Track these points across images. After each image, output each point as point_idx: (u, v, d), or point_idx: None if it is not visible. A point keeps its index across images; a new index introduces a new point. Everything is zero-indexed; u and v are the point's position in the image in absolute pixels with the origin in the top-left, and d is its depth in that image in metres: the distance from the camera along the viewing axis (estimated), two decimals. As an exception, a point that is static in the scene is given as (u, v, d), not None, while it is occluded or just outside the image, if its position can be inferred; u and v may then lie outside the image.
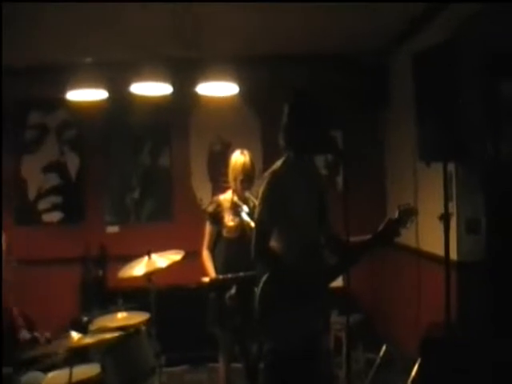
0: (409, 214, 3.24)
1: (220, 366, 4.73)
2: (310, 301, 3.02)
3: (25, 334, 3.77)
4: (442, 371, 4.15)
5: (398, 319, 6.03)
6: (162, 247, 4.35)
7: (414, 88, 5.12)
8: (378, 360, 5.23)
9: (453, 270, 4.30)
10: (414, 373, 4.49)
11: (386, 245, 3.27)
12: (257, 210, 3.13)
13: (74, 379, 3.11)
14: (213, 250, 4.67)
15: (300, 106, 3.18)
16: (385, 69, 6.21)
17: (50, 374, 3.45)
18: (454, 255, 4.51)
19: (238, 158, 4.62)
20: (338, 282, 3.32)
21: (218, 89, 4.98)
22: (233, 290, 4.20)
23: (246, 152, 4.66)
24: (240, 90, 5.01)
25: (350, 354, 4.07)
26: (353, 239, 3.08)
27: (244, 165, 4.57)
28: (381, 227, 3.20)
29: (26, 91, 6.45)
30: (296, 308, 2.98)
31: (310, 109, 3.16)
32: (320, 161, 5.65)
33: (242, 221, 4.50)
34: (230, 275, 4.30)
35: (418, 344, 4.55)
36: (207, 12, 4.74)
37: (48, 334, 3.81)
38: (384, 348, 5.24)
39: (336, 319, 4.82)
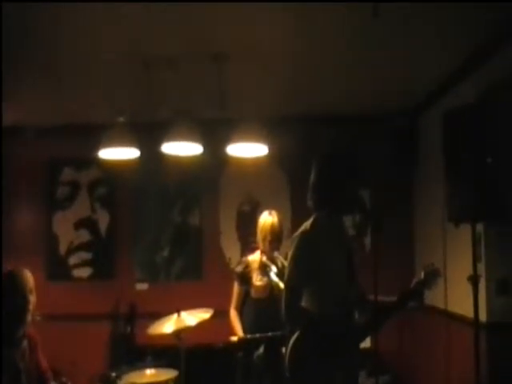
0: (434, 275, 3.25)
1: None
2: (340, 360, 3.01)
3: (54, 388, 3.79)
4: None
5: (426, 381, 5.92)
6: (190, 306, 4.37)
7: (443, 148, 5.15)
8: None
9: (482, 331, 4.25)
10: None
11: (413, 305, 3.27)
12: (287, 271, 3.15)
13: None
14: (241, 310, 4.69)
15: (330, 166, 3.23)
16: (414, 129, 6.26)
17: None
18: (483, 317, 4.47)
19: (267, 218, 4.67)
20: (366, 343, 3.31)
21: (248, 149, 5.06)
22: (261, 350, 4.20)
23: (274, 212, 4.71)
24: (269, 151, 5.09)
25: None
26: (380, 299, 3.09)
27: (272, 225, 4.62)
28: (408, 289, 3.20)
29: (60, 149, 6.64)
30: (326, 367, 2.97)
31: (340, 169, 3.20)
32: (348, 221, 5.66)
33: (270, 281, 4.52)
34: (258, 335, 4.30)
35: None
36: (237, 73, 4.87)
37: (73, 388, 3.82)
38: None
39: (364, 381, 4.76)
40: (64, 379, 3.79)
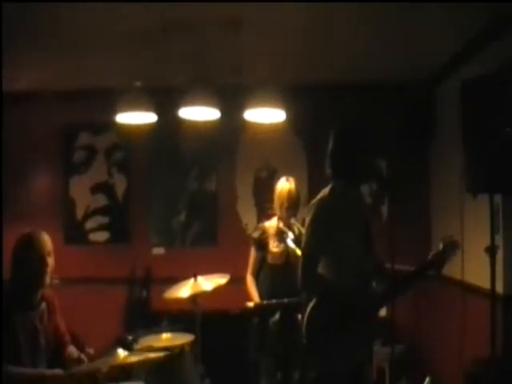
0: (452, 246, 3.22)
1: None
2: (357, 328, 3.01)
3: (72, 350, 3.82)
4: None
5: (441, 352, 5.93)
6: (206, 271, 4.38)
7: (461, 118, 5.07)
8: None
9: (499, 303, 4.23)
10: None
11: (431, 277, 3.25)
12: (304, 238, 3.14)
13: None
14: (257, 276, 4.70)
15: (349, 134, 3.20)
16: (432, 99, 6.19)
17: (95, 392, 3.48)
18: (500, 288, 4.44)
19: (284, 185, 4.66)
20: (382, 312, 3.31)
21: (266, 115, 5.03)
22: (277, 316, 4.22)
23: (291, 179, 4.70)
24: (287, 117, 5.06)
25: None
26: (398, 268, 3.08)
27: (289, 192, 4.61)
28: (426, 261, 3.19)
29: (77, 114, 6.62)
30: (343, 335, 2.97)
31: (358, 137, 3.17)
32: (364, 189, 5.64)
33: (286, 247, 4.53)
34: (274, 301, 4.32)
35: (461, 378, 4.47)
36: (255, 38, 4.82)
37: (91, 351, 3.85)
38: (427, 380, 5.16)
39: (379, 349, 4.77)
40: (90, 350, 3.82)
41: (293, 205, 4.62)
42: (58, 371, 3.49)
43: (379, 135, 3.50)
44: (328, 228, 3.06)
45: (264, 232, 4.70)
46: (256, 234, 4.74)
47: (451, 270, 5.26)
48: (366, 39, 4.91)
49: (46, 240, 3.66)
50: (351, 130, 3.21)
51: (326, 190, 3.19)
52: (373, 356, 3.35)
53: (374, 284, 3.24)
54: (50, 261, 3.63)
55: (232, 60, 5.36)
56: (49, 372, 3.49)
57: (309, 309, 3.07)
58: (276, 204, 4.68)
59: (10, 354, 3.41)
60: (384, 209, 6.26)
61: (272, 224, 4.71)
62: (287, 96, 4.89)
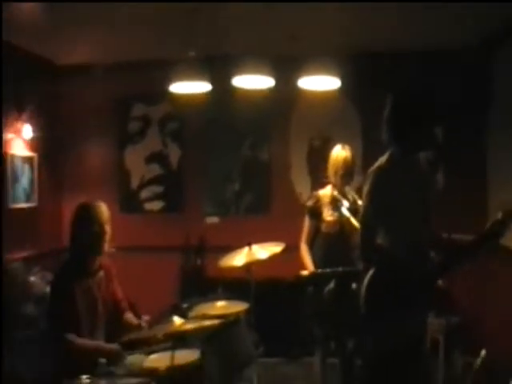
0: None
1: (316, 360, 4.74)
2: (414, 299, 2.97)
3: (130, 317, 3.90)
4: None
5: (496, 323, 5.83)
6: (259, 240, 4.36)
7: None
8: (476, 365, 5.08)
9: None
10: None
11: (489, 247, 3.18)
12: (362, 207, 3.10)
13: (175, 363, 3.18)
14: (311, 245, 4.69)
15: (407, 101, 3.12)
16: (490, 66, 6.02)
17: (151, 357, 3.54)
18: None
19: (340, 152, 4.61)
20: (438, 283, 3.26)
21: (320, 83, 4.96)
22: (331, 285, 4.20)
23: (347, 147, 4.66)
24: (342, 85, 4.98)
25: (448, 357, 3.97)
26: (455, 238, 3.02)
27: (345, 159, 4.57)
28: (484, 230, 3.10)
29: (131, 85, 6.69)
30: (401, 305, 2.94)
31: (417, 104, 3.09)
32: (421, 157, 5.55)
33: (341, 216, 4.50)
34: (328, 270, 4.31)
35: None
36: (309, 7, 4.75)
37: (147, 318, 3.92)
38: (482, 353, 5.08)
39: (433, 321, 4.72)
40: (145, 318, 3.90)
41: (348, 172, 4.58)
42: (114, 346, 3.59)
43: (436, 101, 3.40)
44: (386, 197, 3.01)
45: (318, 201, 4.67)
46: (310, 203, 4.72)
47: (507, 239, 5.15)
48: (421, 4, 4.77)
49: (104, 209, 3.74)
50: (410, 94, 3.13)
51: (383, 159, 3.13)
52: (427, 327, 3.31)
53: (431, 254, 3.19)
54: (108, 229, 3.71)
55: (286, 28, 5.30)
56: (106, 346, 3.61)
57: (367, 278, 3.03)
58: (330, 172, 4.64)
59: (70, 321, 3.51)
60: (440, 177, 6.13)
61: (326, 192, 4.68)
62: (341, 63, 4.81)
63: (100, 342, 3.62)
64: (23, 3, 4.54)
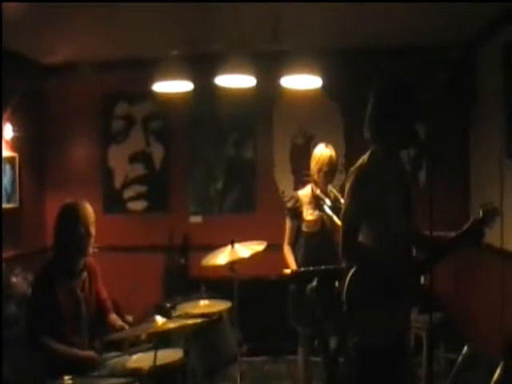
0: (492, 214, 3.15)
1: (299, 358, 4.76)
2: (397, 296, 2.99)
3: (113, 317, 3.89)
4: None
5: (480, 320, 5.88)
6: (243, 238, 4.38)
7: (503, 81, 4.94)
8: (459, 361, 5.11)
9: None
10: (496, 376, 4.36)
11: (470, 244, 3.20)
12: (344, 204, 3.10)
13: (158, 362, 3.18)
14: (294, 245, 4.70)
15: (390, 95, 3.12)
16: (471, 62, 6.05)
17: (135, 357, 3.53)
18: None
19: (324, 150, 4.62)
20: (421, 280, 3.27)
21: (302, 82, 4.97)
22: (314, 283, 4.21)
23: (330, 146, 4.67)
24: (323, 83, 5.00)
25: (432, 353, 3.98)
26: (437, 234, 3.03)
27: (330, 158, 4.58)
28: (465, 226, 3.13)
29: (114, 84, 6.69)
30: (384, 302, 2.95)
31: (400, 99, 3.09)
32: (402, 155, 5.58)
33: (322, 214, 4.52)
34: (311, 268, 4.32)
35: (501, 346, 4.42)
36: (290, 5, 4.75)
37: (131, 318, 3.91)
38: (465, 349, 5.11)
39: (417, 317, 4.73)
40: (129, 317, 3.88)
41: (331, 171, 4.59)
42: (91, 353, 3.57)
43: (418, 99, 3.40)
44: (368, 195, 3.01)
45: (297, 201, 4.68)
46: (289, 204, 4.72)
47: (490, 237, 5.19)
48: (405, 2, 4.79)
49: (89, 210, 3.71)
50: (393, 92, 3.12)
51: (365, 157, 3.14)
52: (411, 324, 3.33)
53: (414, 251, 3.20)
54: (93, 231, 3.68)
55: (268, 27, 5.31)
56: (84, 353, 3.55)
57: (349, 276, 3.04)
58: (313, 170, 4.65)
59: (49, 323, 3.48)
60: (422, 175, 6.17)
61: (306, 192, 4.69)
62: (323, 61, 4.82)
63: (76, 350, 3.54)
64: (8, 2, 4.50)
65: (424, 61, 6.13)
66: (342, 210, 3.13)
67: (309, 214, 4.62)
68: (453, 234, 3.13)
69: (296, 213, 4.67)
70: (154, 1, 4.55)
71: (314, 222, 4.60)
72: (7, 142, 5.94)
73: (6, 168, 5.91)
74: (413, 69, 5.95)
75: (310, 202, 4.63)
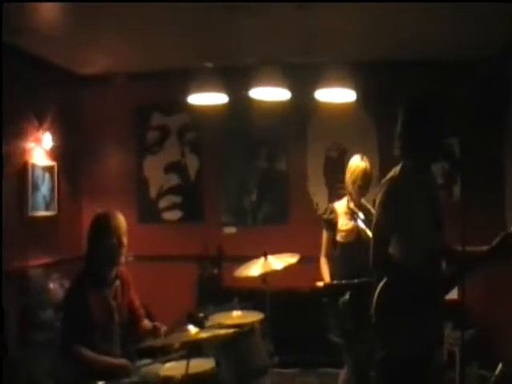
0: (524, 227, 3.13)
1: (342, 371, 4.64)
2: (427, 310, 2.98)
3: (147, 324, 3.93)
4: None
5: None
6: (276, 250, 4.40)
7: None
8: (493, 379, 5.03)
9: None
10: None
11: (502, 258, 3.17)
12: (375, 216, 3.10)
13: (190, 371, 3.21)
14: (330, 257, 4.68)
15: (416, 112, 3.12)
16: (506, 78, 6.00)
17: (167, 365, 3.56)
18: None
19: (359, 163, 4.61)
20: (453, 295, 3.25)
21: (336, 95, 5.00)
22: (346, 296, 4.22)
23: (365, 158, 4.65)
24: (357, 97, 5.01)
25: (464, 370, 3.92)
26: (469, 249, 3.02)
27: (364, 170, 4.56)
28: (496, 240, 3.11)
29: (150, 95, 6.77)
30: (413, 316, 2.95)
31: (426, 115, 3.09)
32: (437, 169, 5.54)
33: (357, 225, 4.49)
34: (344, 281, 4.32)
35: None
36: (324, 17, 4.78)
37: (164, 328, 3.94)
38: (500, 367, 5.03)
39: (450, 333, 4.67)
40: (157, 324, 3.92)
41: (365, 184, 4.57)
42: (123, 361, 3.61)
43: (452, 113, 3.40)
44: (399, 206, 3.01)
45: (333, 212, 4.67)
46: (325, 215, 4.72)
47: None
48: (435, 15, 4.77)
49: (122, 220, 3.75)
50: (418, 108, 3.13)
51: (396, 169, 3.14)
52: (444, 339, 3.31)
53: (443, 265, 3.19)
54: (125, 241, 3.73)
55: (302, 40, 5.34)
56: (116, 361, 3.60)
57: (379, 288, 3.04)
58: (348, 182, 4.64)
59: (81, 332, 3.53)
60: (456, 189, 6.12)
61: (341, 204, 4.68)
62: (357, 74, 4.84)
63: (108, 358, 3.58)
64: (46, 13, 4.61)
65: (457, 75, 6.09)
66: (373, 222, 3.13)
67: (344, 225, 4.61)
68: (484, 248, 3.12)
69: (332, 223, 4.67)
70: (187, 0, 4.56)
71: (349, 232, 4.57)
72: (47, 151, 6.06)
73: (46, 177, 6.02)
74: (446, 83, 5.92)
75: (345, 213, 4.62)
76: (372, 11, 4.69)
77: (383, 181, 3.13)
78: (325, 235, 4.72)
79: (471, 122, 5.94)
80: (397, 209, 3.02)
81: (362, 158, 4.64)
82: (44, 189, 5.99)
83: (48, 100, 6.08)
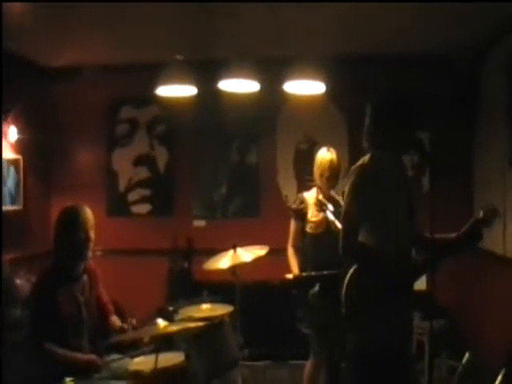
0: (492, 214, 3.16)
1: (308, 362, 4.68)
2: (397, 298, 2.98)
3: (115, 320, 3.89)
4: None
5: (482, 327, 5.86)
6: (247, 243, 4.40)
7: (507, 90, 4.94)
8: (461, 368, 5.09)
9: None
10: (497, 383, 4.35)
11: (470, 245, 3.21)
12: (345, 204, 3.09)
13: (159, 365, 3.19)
14: (298, 247, 4.69)
15: (382, 107, 3.14)
16: (476, 71, 6.06)
17: (136, 360, 3.54)
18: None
19: (325, 155, 4.63)
20: (422, 285, 3.28)
21: (305, 87, 5.00)
22: (316, 288, 4.22)
23: (332, 149, 4.67)
24: (327, 89, 5.01)
25: (433, 360, 3.96)
26: (437, 236, 3.03)
27: (331, 162, 4.57)
28: (466, 226, 3.14)
29: (119, 88, 6.71)
30: (383, 306, 2.95)
31: (392, 109, 3.10)
32: (406, 161, 5.58)
33: (326, 218, 4.49)
34: (313, 273, 4.32)
35: (503, 354, 4.41)
36: (295, 11, 4.77)
37: (134, 321, 3.91)
38: (467, 356, 5.09)
39: (419, 324, 4.72)
40: (133, 320, 3.89)
41: (333, 175, 4.59)
42: (93, 357, 3.57)
43: (420, 107, 3.41)
44: (368, 194, 3.01)
45: (302, 202, 4.67)
46: (294, 205, 4.72)
47: (493, 244, 5.21)
48: (409, 11, 4.79)
49: (90, 214, 3.71)
50: (384, 103, 3.14)
51: (365, 158, 3.14)
52: (413, 330, 3.33)
53: (413, 253, 3.21)
54: (93, 235, 3.69)
55: (272, 33, 5.32)
56: (85, 357, 3.56)
57: (348, 276, 3.04)
58: (316, 174, 4.65)
59: (50, 328, 3.49)
60: (425, 180, 6.17)
61: (311, 195, 4.68)
62: (327, 67, 4.83)
63: (78, 354, 3.55)
64: (13, 3, 4.52)
65: (428, 69, 6.14)
66: (343, 209, 3.13)
67: (313, 216, 4.61)
68: (453, 234, 3.15)
69: (301, 214, 4.67)
70: (159, 0, 4.53)
71: (318, 223, 4.57)
72: (12, 144, 5.96)
73: (11, 170, 5.93)
74: (417, 77, 5.96)
75: (314, 204, 4.62)
76: (344, 5, 4.69)
77: (352, 168, 3.13)
78: (293, 225, 4.72)
79: (442, 115, 5.99)
80: (366, 196, 3.02)
81: (329, 150, 4.66)
82: (9, 182, 5.90)
83: (13, 92, 5.96)
